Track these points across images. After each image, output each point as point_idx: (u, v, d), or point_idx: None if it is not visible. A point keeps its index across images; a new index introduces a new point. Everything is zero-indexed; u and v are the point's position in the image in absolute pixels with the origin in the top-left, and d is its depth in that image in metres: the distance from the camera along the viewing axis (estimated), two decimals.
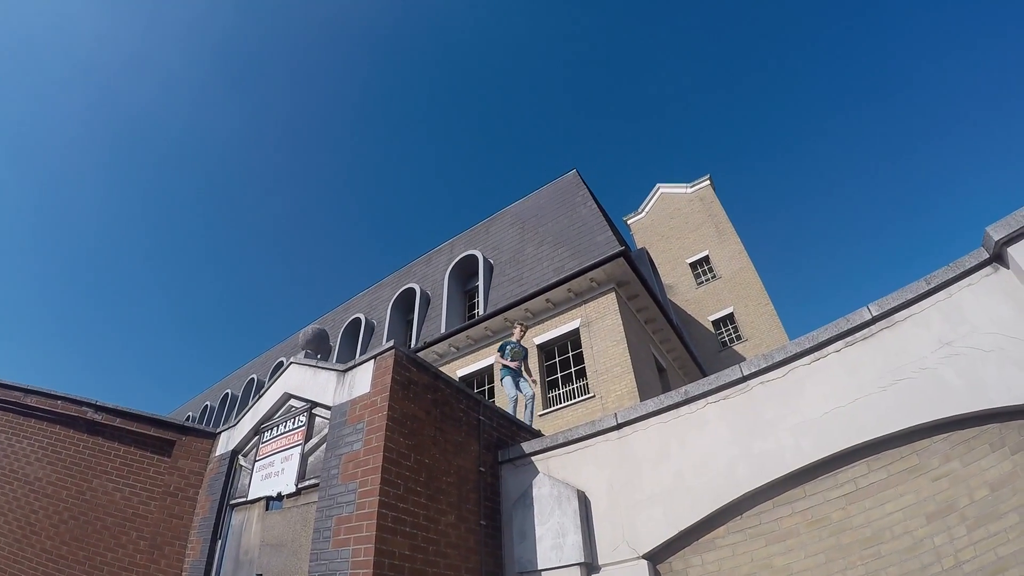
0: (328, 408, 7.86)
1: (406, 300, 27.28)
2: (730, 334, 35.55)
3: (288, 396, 8.75)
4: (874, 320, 6.07)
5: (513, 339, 12.78)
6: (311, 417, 8.22)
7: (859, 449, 5.77)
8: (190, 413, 43.36)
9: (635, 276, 19.85)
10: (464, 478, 7.68)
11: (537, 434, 9.99)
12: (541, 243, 23.48)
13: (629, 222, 45.11)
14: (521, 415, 11.91)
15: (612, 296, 19.35)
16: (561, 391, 19.04)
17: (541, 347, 20.14)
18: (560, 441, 7.99)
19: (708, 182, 43.45)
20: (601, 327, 18.84)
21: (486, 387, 20.95)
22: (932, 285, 5.84)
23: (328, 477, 6.98)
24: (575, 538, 6.91)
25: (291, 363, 8.97)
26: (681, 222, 42.31)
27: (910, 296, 5.93)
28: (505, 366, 12.09)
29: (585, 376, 18.50)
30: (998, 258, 5.58)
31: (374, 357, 7.60)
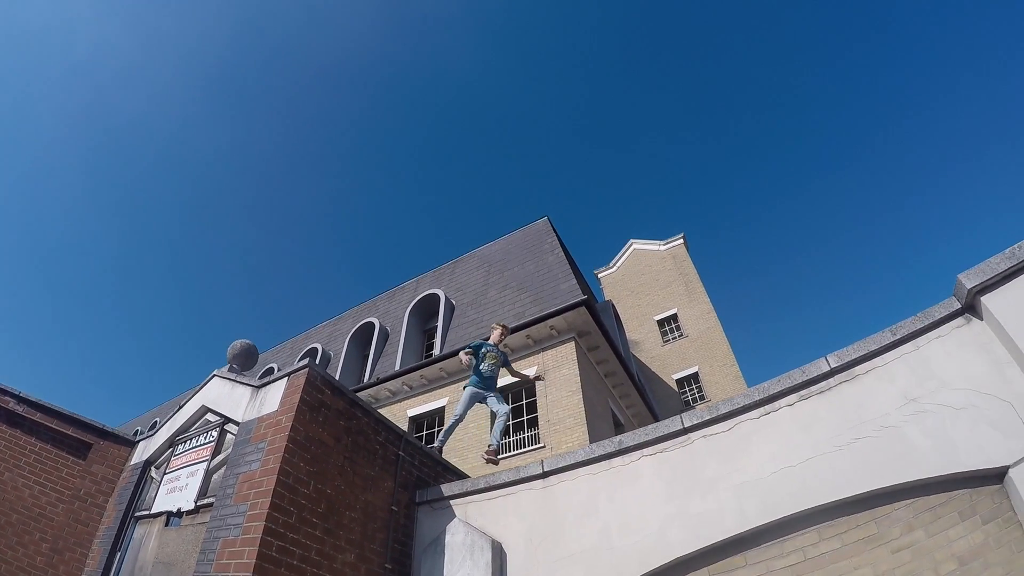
0: (238, 424, 7.30)
1: (364, 334, 26.62)
2: (694, 394, 35.16)
3: (205, 409, 8.24)
4: (833, 372, 5.57)
5: (490, 341, 10.00)
6: (222, 433, 7.71)
7: (810, 515, 5.17)
8: (138, 427, 42.22)
9: (597, 327, 19.54)
10: (372, 515, 7.02)
11: (462, 476, 9.33)
12: (505, 287, 23.20)
13: (600, 275, 45.01)
14: (488, 435, 10.60)
15: (571, 346, 19.00)
16: (512, 438, 18.46)
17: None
18: (481, 486, 7.33)
19: (681, 240, 43.51)
20: (558, 376, 18.40)
21: (436, 429, 20.20)
22: (898, 336, 5.40)
23: (223, 496, 6.46)
24: None
25: (213, 376, 8.50)
26: (652, 279, 42.25)
27: (873, 348, 5.46)
28: (475, 372, 9.45)
29: (537, 425, 18.02)
30: (971, 309, 5.22)
31: (288, 375, 7.11)
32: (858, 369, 5.48)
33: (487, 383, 9.48)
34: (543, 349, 19.36)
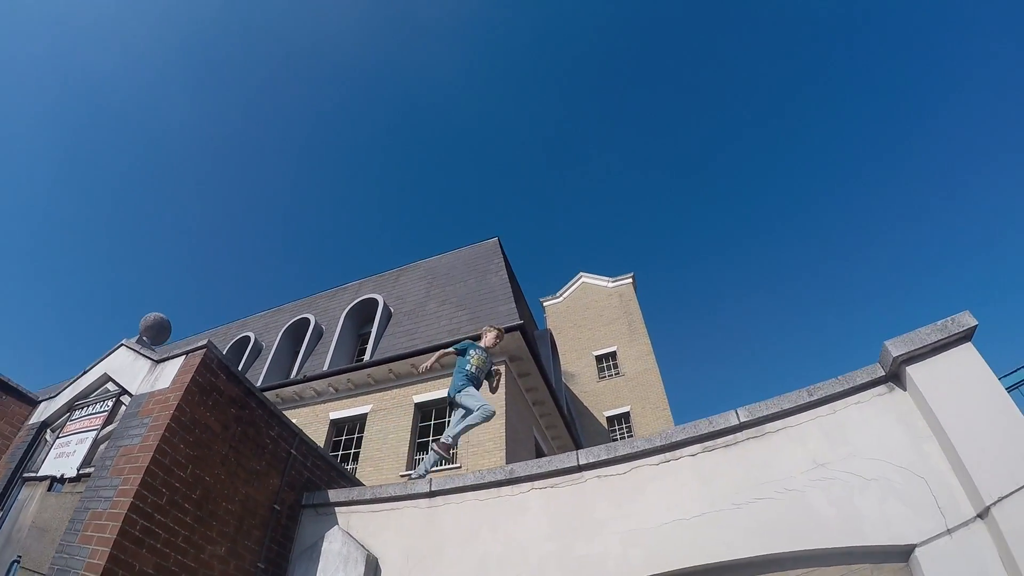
0: (132, 396, 7.05)
1: (299, 330, 26.14)
2: (623, 433, 34.99)
3: (107, 378, 7.96)
4: (741, 427, 5.36)
5: (481, 343, 9.01)
6: (117, 403, 7.38)
7: (699, 572, 4.91)
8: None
9: (529, 353, 19.37)
10: (251, 510, 6.76)
11: (356, 483, 8.91)
12: (444, 302, 23.00)
13: (545, 304, 44.85)
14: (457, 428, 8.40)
15: (502, 369, 18.40)
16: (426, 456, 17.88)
17: (419, 406, 19.35)
18: (367, 496, 7.05)
19: (630, 280, 43.67)
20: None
21: (356, 435, 19.94)
22: (814, 397, 5.22)
23: (102, 467, 6.20)
24: None
25: (120, 345, 8.29)
26: (596, 314, 42.26)
27: (787, 406, 5.26)
28: (465, 376, 8.38)
29: (456, 445, 17.50)
30: (895, 377, 5.11)
31: (186, 353, 6.92)
32: (768, 427, 5.29)
33: (475, 384, 8.50)
34: None
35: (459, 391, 8.30)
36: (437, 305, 23.06)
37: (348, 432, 20.30)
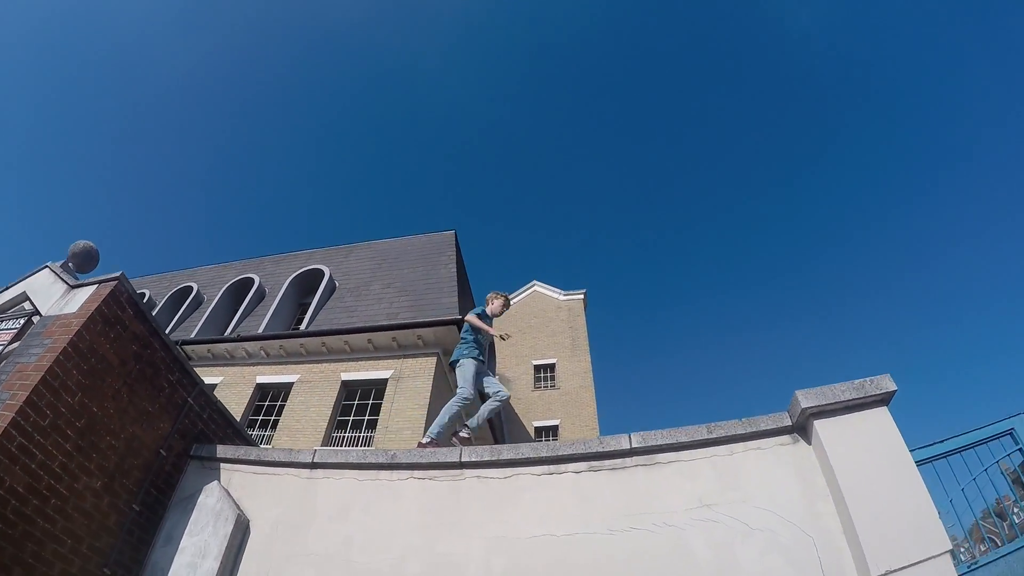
0: (41, 317, 6.90)
1: (242, 289, 25.64)
2: None
3: (25, 296, 7.82)
4: (632, 452, 5.13)
5: (488, 311, 8.52)
6: (28, 322, 7.20)
7: None
8: None
9: None
10: (135, 450, 6.56)
11: (250, 443, 8.49)
12: (389, 285, 22.91)
13: None
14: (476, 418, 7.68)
15: (433, 360, 18.75)
16: (346, 434, 18.02)
17: (346, 384, 19.24)
18: (251, 457, 6.88)
19: (582, 296, 43.69)
20: (410, 386, 18.13)
21: (280, 403, 19.65)
22: (713, 435, 5.02)
23: None
24: (212, 566, 5.85)
25: (45, 266, 8.22)
26: (542, 324, 42.17)
27: (683, 439, 5.06)
28: (474, 342, 7.96)
29: (374, 429, 17.62)
30: (801, 429, 4.93)
31: (98, 283, 6.79)
32: (660, 457, 5.08)
33: (479, 359, 7.96)
34: (404, 356, 19.06)
35: (457, 362, 7.88)
36: (381, 287, 22.93)
37: (272, 399, 20.00)
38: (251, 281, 25.57)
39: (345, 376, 19.33)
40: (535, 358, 39.80)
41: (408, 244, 26.47)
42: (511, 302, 8.92)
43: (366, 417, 18.37)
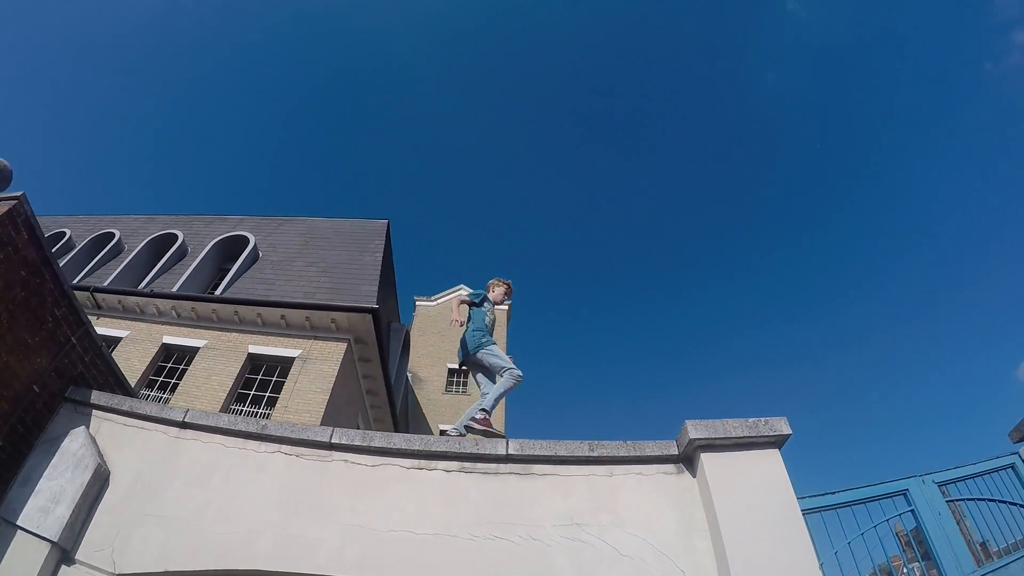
0: None
1: (164, 243, 24.59)
2: None
3: None
4: (507, 458, 4.98)
5: (491, 297, 8.10)
6: None
7: None
8: None
9: (375, 340, 19.12)
10: (6, 382, 6.18)
11: (131, 395, 8.04)
12: (312, 264, 22.56)
13: (418, 303, 44.09)
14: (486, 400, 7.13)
15: (343, 347, 18.54)
16: (245, 408, 17.60)
17: (253, 356, 18.82)
18: (124, 407, 6.54)
19: (507, 307, 44.03)
20: (316, 368, 17.88)
21: (182, 367, 19.00)
22: (595, 454, 4.91)
23: None
24: (64, 512, 5.59)
25: None
26: (462, 329, 42.11)
27: (562, 453, 4.92)
28: (484, 329, 7.52)
29: (273, 407, 17.27)
30: (687, 460, 4.88)
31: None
32: (536, 468, 4.92)
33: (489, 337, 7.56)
34: (316, 338, 18.80)
35: (481, 347, 7.34)
36: (304, 265, 22.57)
37: (176, 361, 19.30)
38: (174, 237, 24.86)
39: (253, 349, 18.92)
40: (451, 361, 39.43)
41: (339, 226, 26.14)
42: (511, 290, 8.41)
43: (267, 394, 18.02)
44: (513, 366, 7.20)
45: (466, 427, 6.66)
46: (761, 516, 4.40)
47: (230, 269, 22.79)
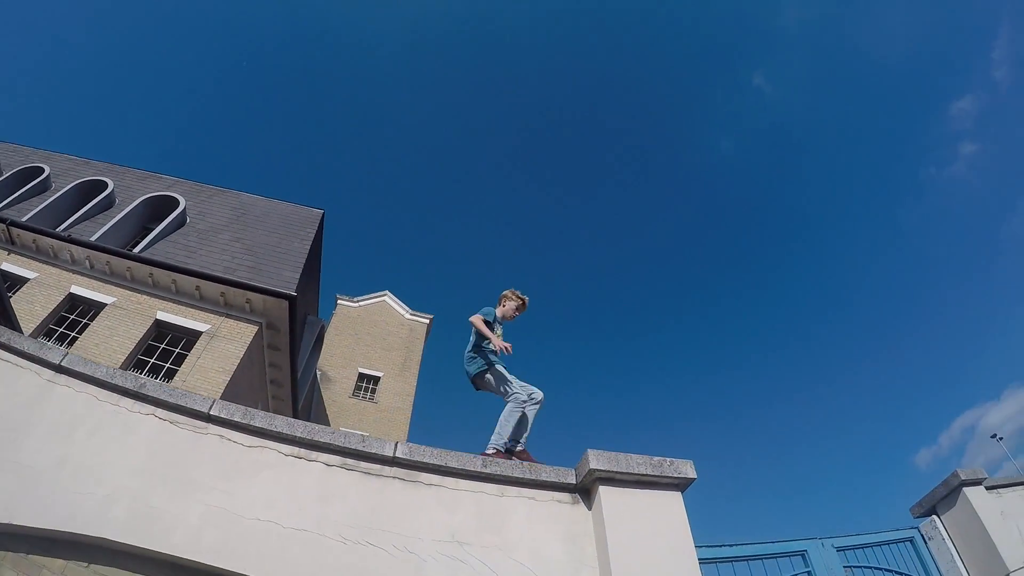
0: None
1: (93, 190, 23.68)
2: None
3: None
4: (393, 461, 4.64)
5: (498, 312, 7.17)
6: None
7: None
8: None
9: (288, 328, 18.69)
10: None
11: (15, 327, 7.17)
12: (238, 239, 22.01)
13: (340, 301, 43.47)
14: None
15: (254, 329, 18.13)
16: (143, 374, 16.86)
17: (160, 323, 18.13)
18: (3, 340, 5.61)
19: (428, 321, 43.39)
20: (222, 347, 17.42)
21: (86, 320, 18.11)
22: (487, 471, 4.66)
23: None
24: None
25: None
26: (381, 335, 41.51)
27: (453, 465, 4.65)
28: (485, 349, 6.75)
29: (171, 380, 16.55)
30: (584, 492, 4.66)
31: None
32: (424, 477, 4.62)
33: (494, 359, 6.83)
34: (228, 315, 18.32)
35: (477, 370, 6.66)
36: (230, 239, 21.97)
37: (80, 314, 18.40)
38: (104, 185, 24.00)
39: (161, 315, 18.26)
40: (363, 366, 39.00)
41: (273, 207, 25.67)
42: (525, 304, 7.36)
43: (167, 365, 17.38)
44: (518, 390, 6.40)
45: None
46: (655, 560, 4.20)
47: (154, 229, 22.17)
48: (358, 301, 44.08)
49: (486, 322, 6.75)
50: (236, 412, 4.94)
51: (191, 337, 17.96)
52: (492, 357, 6.71)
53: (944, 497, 6.83)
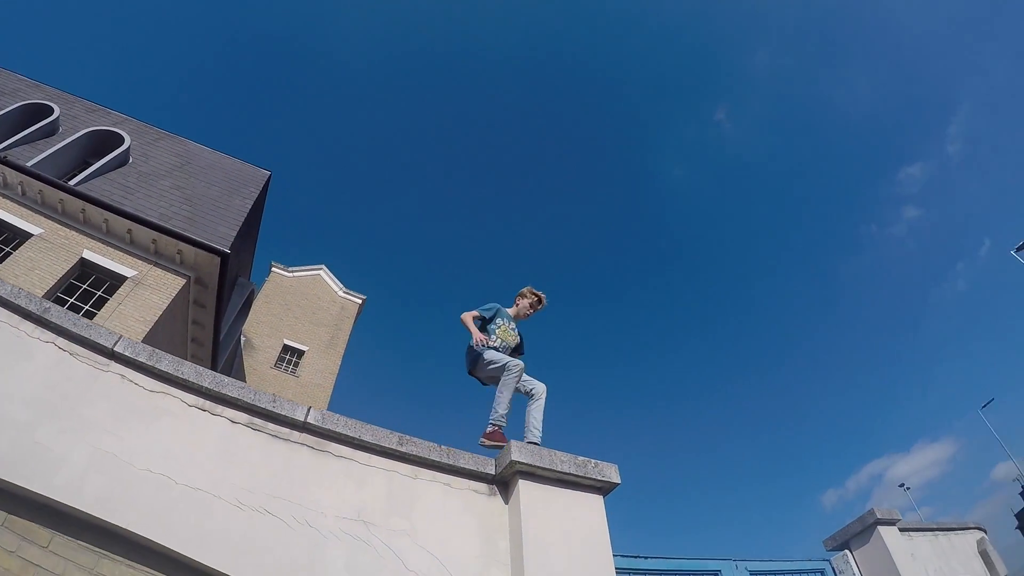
0: None
1: (37, 113, 22.80)
2: None
3: None
4: (304, 427, 4.39)
5: (510, 311, 6.93)
6: None
7: (139, 543, 3.74)
8: None
9: (218, 287, 18.28)
10: None
11: None
12: (179, 187, 21.35)
13: (274, 269, 42.56)
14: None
15: (182, 283, 17.65)
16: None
17: (85, 262, 17.48)
18: None
19: (360, 302, 42.93)
20: (145, 297, 16.88)
21: (7, 249, 17.11)
22: (403, 449, 4.44)
23: None
24: None
25: None
26: (311, 309, 40.88)
27: (367, 439, 4.40)
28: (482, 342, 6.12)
29: (92, 319, 16.10)
30: (503, 484, 4.52)
31: None
32: (334, 447, 4.37)
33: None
34: (157, 264, 17.76)
35: (475, 365, 6.28)
36: (170, 186, 21.32)
37: (4, 241, 17.74)
38: (49, 110, 23.22)
39: (88, 255, 17.58)
40: (289, 338, 38.35)
41: (219, 160, 25.04)
42: (543, 300, 7.06)
43: (87, 307, 16.72)
44: (503, 359, 6.01)
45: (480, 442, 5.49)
46: (571, 563, 4.07)
47: (94, 164, 21.51)
48: (292, 271, 43.37)
49: (481, 317, 6.57)
50: (142, 352, 4.56)
51: (115, 281, 17.31)
52: (485, 350, 6.21)
53: (858, 533, 7.05)
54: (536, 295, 7.04)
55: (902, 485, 67.40)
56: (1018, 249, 37.05)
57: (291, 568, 3.74)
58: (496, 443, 5.28)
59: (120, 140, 22.20)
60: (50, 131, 22.60)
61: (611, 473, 4.57)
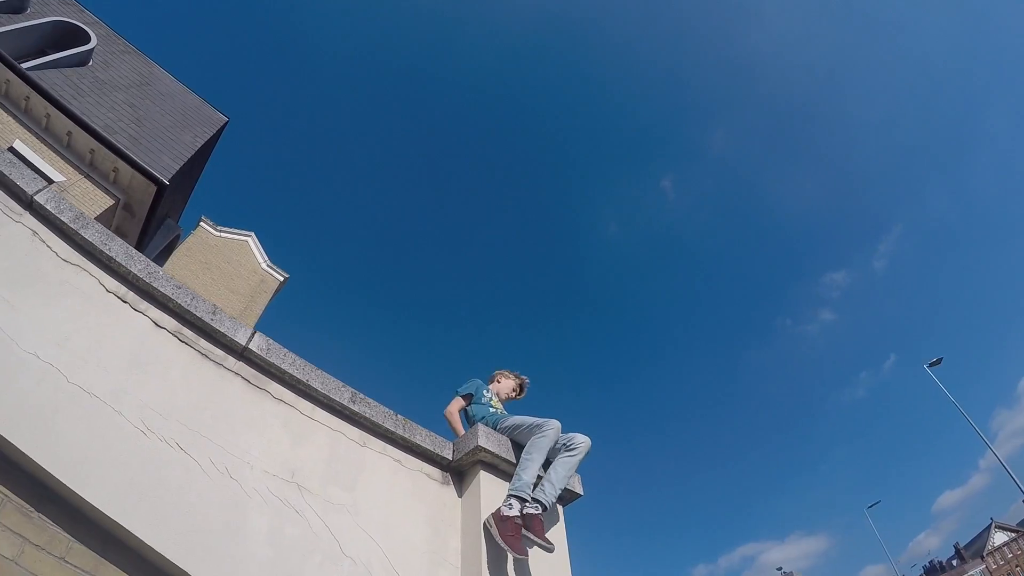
0: None
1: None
2: None
3: None
4: (243, 354, 3.78)
5: (489, 391, 5.78)
6: None
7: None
8: None
9: (145, 219, 17.68)
10: None
11: None
12: (135, 105, 20.39)
13: (202, 223, 41.22)
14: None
15: (110, 203, 16.82)
16: None
17: (14, 151, 16.01)
18: None
19: (282, 279, 41.78)
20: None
21: None
22: (354, 407, 3.85)
23: None
24: None
25: None
26: (231, 273, 39.55)
27: (315, 385, 3.78)
28: (481, 410, 5.27)
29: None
30: (459, 473, 4.09)
31: None
32: (275, 388, 3.73)
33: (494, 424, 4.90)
34: (88, 176, 16.85)
35: (497, 421, 4.86)
36: (123, 101, 20.26)
37: None
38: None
39: (19, 145, 16.42)
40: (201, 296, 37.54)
41: (179, 91, 24.26)
42: (524, 387, 6.25)
43: None
44: (537, 420, 4.56)
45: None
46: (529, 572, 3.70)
47: (52, 54, 20.46)
48: (220, 231, 41.97)
49: (468, 395, 5.59)
50: (67, 211, 3.77)
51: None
52: (491, 411, 5.27)
53: None
54: (520, 379, 6.27)
55: (780, 568, 72.76)
56: (931, 364, 38.05)
57: (200, 528, 3.00)
58: (537, 539, 3.69)
59: (87, 38, 21.10)
60: (18, 8, 21.48)
61: (574, 483, 4.24)
